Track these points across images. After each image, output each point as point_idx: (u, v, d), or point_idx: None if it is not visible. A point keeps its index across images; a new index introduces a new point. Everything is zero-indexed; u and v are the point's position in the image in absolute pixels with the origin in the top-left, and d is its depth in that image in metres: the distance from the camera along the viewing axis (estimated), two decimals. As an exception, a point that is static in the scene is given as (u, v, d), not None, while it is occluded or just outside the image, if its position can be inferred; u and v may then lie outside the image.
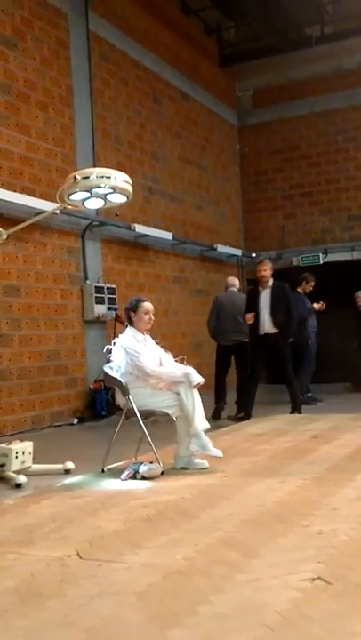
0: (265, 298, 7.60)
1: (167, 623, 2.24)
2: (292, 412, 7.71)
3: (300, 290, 9.24)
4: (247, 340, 7.99)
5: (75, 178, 4.80)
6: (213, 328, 8.28)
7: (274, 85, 13.72)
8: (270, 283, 7.65)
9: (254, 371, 7.88)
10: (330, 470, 4.61)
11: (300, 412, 7.73)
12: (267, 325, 7.55)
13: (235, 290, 8.52)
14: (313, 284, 9.31)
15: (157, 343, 5.26)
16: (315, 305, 9.18)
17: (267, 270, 7.64)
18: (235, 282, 8.61)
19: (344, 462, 4.88)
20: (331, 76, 13.10)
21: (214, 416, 7.74)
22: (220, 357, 8.37)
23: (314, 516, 3.45)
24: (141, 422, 4.88)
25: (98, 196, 5.03)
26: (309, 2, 11.47)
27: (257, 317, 7.58)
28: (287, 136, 13.54)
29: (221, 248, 12.36)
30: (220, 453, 4.92)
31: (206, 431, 4.95)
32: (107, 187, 4.90)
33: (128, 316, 5.21)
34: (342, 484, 4.14)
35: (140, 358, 4.93)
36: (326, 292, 9.75)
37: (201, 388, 4.97)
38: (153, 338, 5.27)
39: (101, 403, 8.49)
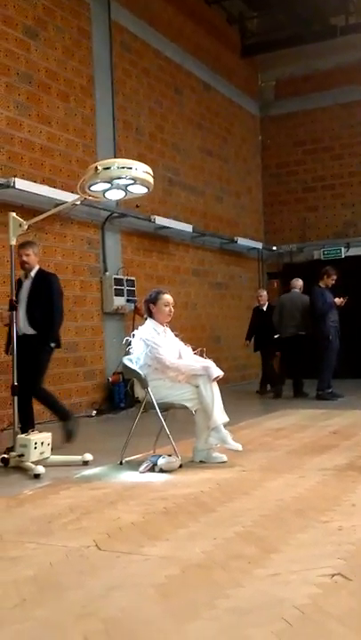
0: (25, 290, 5.93)
1: (185, 616, 2.23)
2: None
3: (321, 284, 9.15)
4: (303, 333, 9.17)
5: (96, 168, 4.79)
6: (277, 322, 9.53)
7: (297, 76, 13.58)
8: (33, 272, 5.97)
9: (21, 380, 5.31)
10: (349, 466, 4.58)
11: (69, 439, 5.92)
12: (22, 324, 5.77)
13: (297, 290, 9.64)
14: (335, 277, 9.19)
15: (177, 335, 5.25)
16: (336, 300, 9.08)
17: (30, 255, 5.93)
18: (297, 283, 9.70)
19: (364, 458, 4.83)
20: (355, 67, 12.89)
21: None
22: (284, 349, 9.65)
23: (333, 511, 3.42)
24: (160, 415, 4.87)
25: (119, 188, 5.03)
26: (334, -9, 11.33)
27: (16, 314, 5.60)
28: (310, 128, 13.40)
29: (242, 241, 12.28)
30: (239, 447, 4.90)
31: (225, 424, 4.93)
32: (128, 178, 4.88)
33: (148, 309, 5.19)
34: (362, 480, 4.10)
35: (160, 350, 4.92)
36: (348, 287, 9.65)
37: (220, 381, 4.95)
38: (172, 330, 5.25)
39: (120, 395, 8.51)
